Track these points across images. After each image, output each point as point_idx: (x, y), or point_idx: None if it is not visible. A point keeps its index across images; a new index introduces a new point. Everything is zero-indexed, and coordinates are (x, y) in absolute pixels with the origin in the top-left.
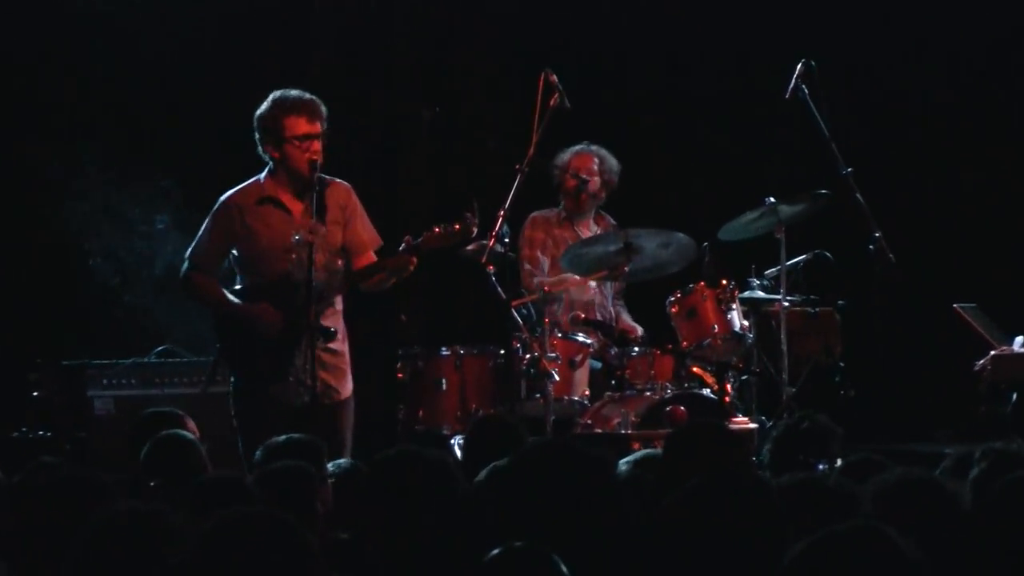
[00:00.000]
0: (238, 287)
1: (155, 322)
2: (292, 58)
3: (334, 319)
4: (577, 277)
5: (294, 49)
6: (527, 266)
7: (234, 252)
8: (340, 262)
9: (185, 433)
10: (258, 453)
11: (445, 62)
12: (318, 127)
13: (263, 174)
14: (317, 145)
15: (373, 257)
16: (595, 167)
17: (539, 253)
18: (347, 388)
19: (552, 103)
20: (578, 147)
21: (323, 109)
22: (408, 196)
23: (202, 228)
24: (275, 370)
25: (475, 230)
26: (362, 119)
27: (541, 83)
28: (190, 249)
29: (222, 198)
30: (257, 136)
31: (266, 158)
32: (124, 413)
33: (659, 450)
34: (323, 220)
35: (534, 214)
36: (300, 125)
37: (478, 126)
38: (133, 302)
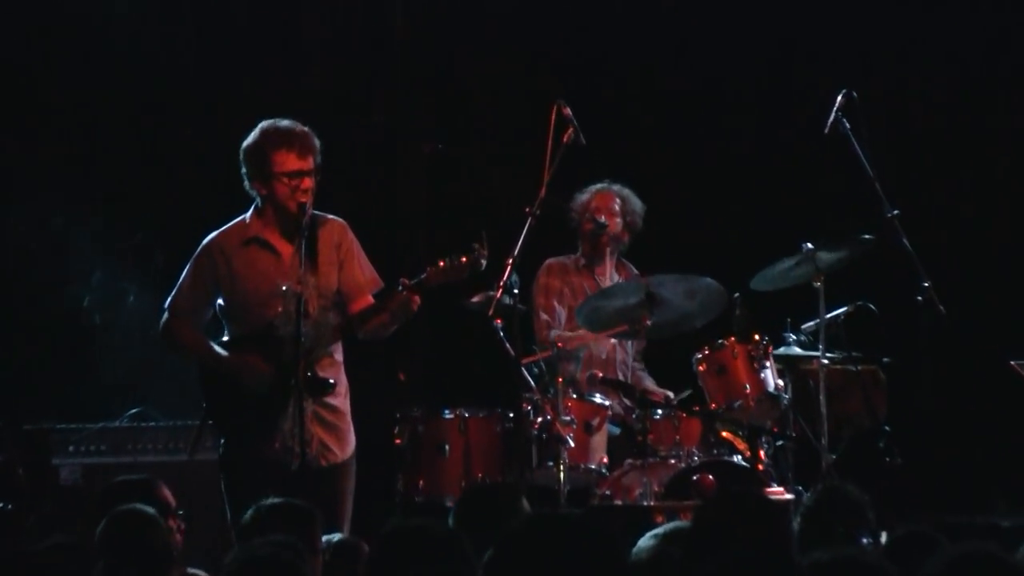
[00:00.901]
0: (225, 339)
1: (127, 383)
2: (284, 83)
3: (333, 371)
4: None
5: (286, 74)
6: (542, 316)
7: (220, 301)
8: (333, 312)
9: (145, 508)
10: (247, 514)
11: (449, 89)
12: (310, 162)
13: (249, 212)
14: (308, 183)
15: (372, 300)
16: (616, 207)
17: (555, 303)
18: (347, 449)
19: (565, 138)
20: (598, 186)
21: (316, 142)
22: (404, 236)
23: (183, 273)
24: (263, 433)
25: (484, 263)
26: (355, 151)
27: (553, 116)
28: (170, 297)
29: (204, 240)
30: (243, 170)
31: (253, 194)
32: (93, 482)
33: (688, 523)
34: (315, 264)
35: (549, 260)
36: (290, 160)
37: (484, 162)
38: (103, 361)
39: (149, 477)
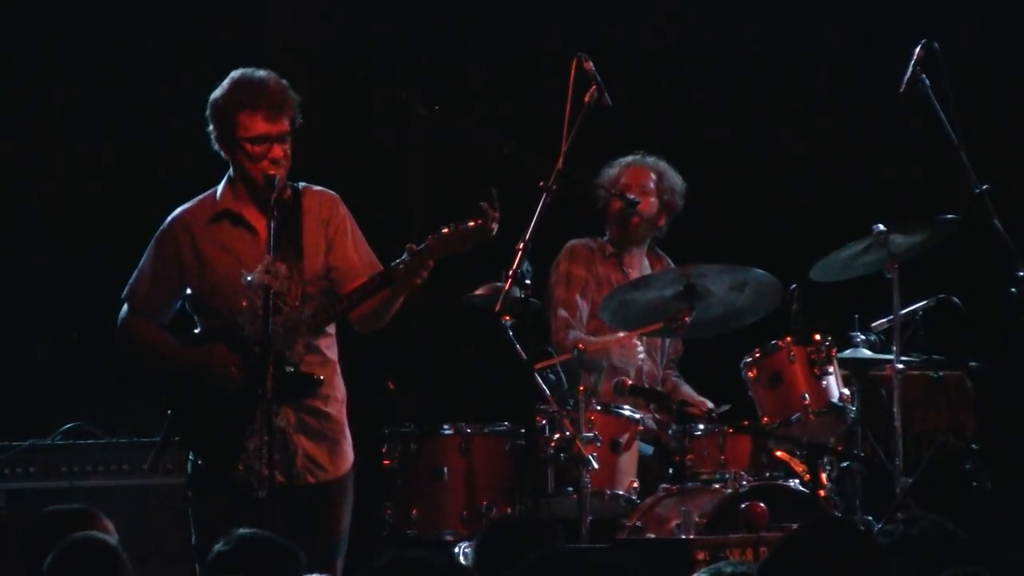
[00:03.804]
0: (197, 331)
1: (61, 392)
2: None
3: (323, 369)
4: (623, 334)
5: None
6: (561, 313)
7: (188, 291)
8: (312, 303)
9: (105, 536)
10: (214, 549)
11: (447, 40)
12: (283, 125)
13: (221, 183)
14: (278, 151)
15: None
16: (651, 184)
17: (577, 296)
18: (342, 464)
19: (587, 99)
20: (629, 158)
21: (293, 100)
22: (396, 217)
23: (143, 259)
24: (229, 449)
25: (495, 227)
26: (335, 117)
27: (573, 72)
28: (128, 286)
29: (168, 218)
30: (209, 127)
31: (222, 155)
32: (19, 512)
33: (741, 563)
34: (298, 247)
35: (573, 243)
36: (256, 123)
37: (488, 127)
38: (31, 366)
39: (86, 507)
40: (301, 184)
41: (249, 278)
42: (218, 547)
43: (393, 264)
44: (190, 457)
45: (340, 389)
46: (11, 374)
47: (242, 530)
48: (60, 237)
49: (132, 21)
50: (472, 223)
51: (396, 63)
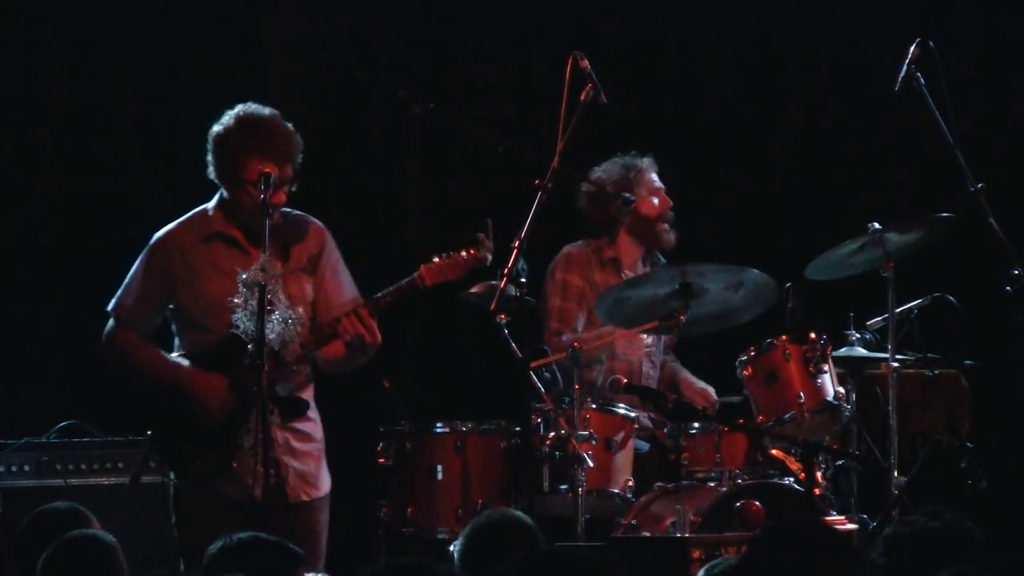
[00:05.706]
0: (177, 354)
1: (57, 390)
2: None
3: (307, 392)
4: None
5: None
6: (554, 324)
7: (173, 305)
8: (306, 318)
9: (102, 534)
10: (213, 548)
11: (442, 38)
12: (287, 171)
13: (212, 203)
14: (281, 196)
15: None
16: (662, 186)
17: (574, 306)
18: (324, 484)
19: (583, 97)
20: (644, 161)
21: (298, 143)
22: (391, 218)
23: (131, 273)
24: (221, 461)
25: (490, 257)
26: (333, 116)
27: (569, 70)
28: (115, 300)
29: (158, 234)
30: (209, 156)
31: (217, 182)
32: (15, 510)
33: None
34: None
35: (568, 249)
36: (264, 169)
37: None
38: (27, 363)
39: (76, 507)
40: (286, 211)
41: (244, 276)
42: (212, 550)
43: (378, 295)
44: (171, 478)
45: (316, 411)
46: (6, 372)
47: (239, 534)
48: (59, 236)
49: (132, 20)
50: (464, 253)
51: (393, 62)
